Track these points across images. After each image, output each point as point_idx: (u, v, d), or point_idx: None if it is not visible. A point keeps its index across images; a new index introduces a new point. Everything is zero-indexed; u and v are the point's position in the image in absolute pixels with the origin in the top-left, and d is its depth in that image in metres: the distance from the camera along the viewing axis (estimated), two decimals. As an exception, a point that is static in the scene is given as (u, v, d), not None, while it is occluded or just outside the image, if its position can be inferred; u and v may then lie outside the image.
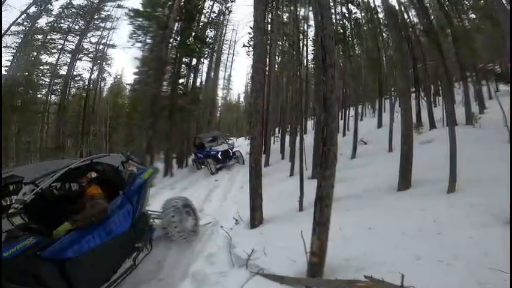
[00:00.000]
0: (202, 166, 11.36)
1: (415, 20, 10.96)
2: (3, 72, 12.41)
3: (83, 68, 16.31)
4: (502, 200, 2.73)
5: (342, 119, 16.74)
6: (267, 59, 13.80)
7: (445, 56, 9.60)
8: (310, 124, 19.28)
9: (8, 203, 2.54)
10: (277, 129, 19.08)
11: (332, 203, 2.41)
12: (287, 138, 12.54)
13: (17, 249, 2.05)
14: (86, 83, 15.66)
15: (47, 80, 14.85)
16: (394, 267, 1.99)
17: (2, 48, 12.32)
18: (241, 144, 16.87)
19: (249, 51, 16.98)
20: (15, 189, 2.77)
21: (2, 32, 11.83)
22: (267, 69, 14.65)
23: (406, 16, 10.40)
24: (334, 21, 15.64)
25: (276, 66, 16.16)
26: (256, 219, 3.97)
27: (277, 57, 15.77)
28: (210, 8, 15.95)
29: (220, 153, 10.79)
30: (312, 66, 16.98)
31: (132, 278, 3.01)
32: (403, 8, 9.46)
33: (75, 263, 2.38)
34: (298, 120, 8.09)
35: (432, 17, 10.16)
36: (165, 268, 3.45)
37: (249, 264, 2.93)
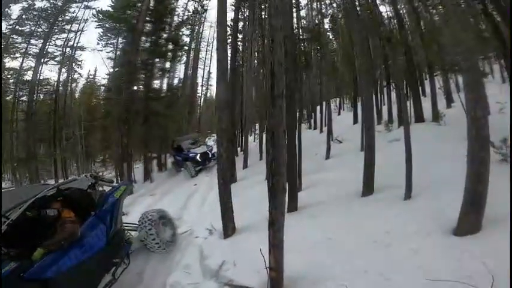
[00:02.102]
0: (182, 169, 11.35)
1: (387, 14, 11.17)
2: None
3: (51, 70, 15.70)
4: (448, 208, 3.02)
5: (320, 112, 16.96)
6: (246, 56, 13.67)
7: (414, 52, 9.88)
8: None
9: None
10: (257, 125, 19.20)
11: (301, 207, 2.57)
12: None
13: (1, 273, 2.18)
14: (55, 87, 15.03)
15: (12, 86, 14.26)
16: (343, 281, 2.24)
17: None
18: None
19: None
20: None
21: None
22: (246, 64, 14.60)
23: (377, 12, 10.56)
24: (311, 16, 15.74)
25: (256, 61, 16.14)
26: (228, 229, 4.13)
27: (256, 54, 15.75)
28: (185, 6, 15.64)
29: (199, 155, 10.83)
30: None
31: None
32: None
33: (56, 282, 2.52)
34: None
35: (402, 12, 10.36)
36: (144, 280, 3.60)
37: (219, 275, 3.12)
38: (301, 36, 14.59)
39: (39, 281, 2.44)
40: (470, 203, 2.70)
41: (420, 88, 10.92)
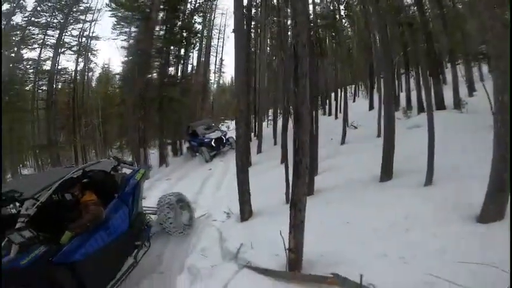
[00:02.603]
0: (197, 154, 11.54)
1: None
2: None
3: (68, 60, 16.17)
4: (471, 195, 2.94)
5: (335, 99, 16.73)
6: (259, 43, 13.51)
7: (435, 39, 9.50)
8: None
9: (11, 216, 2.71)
10: (270, 111, 19.14)
11: (318, 191, 2.59)
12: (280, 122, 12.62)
13: (31, 258, 2.26)
14: (73, 76, 15.41)
15: (32, 76, 14.69)
16: (361, 264, 2.23)
17: None
18: (237, 127, 16.86)
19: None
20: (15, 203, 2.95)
21: None
22: (258, 52, 14.43)
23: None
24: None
25: (268, 48, 15.90)
26: (245, 213, 4.19)
27: (268, 41, 15.49)
28: (197, -6, 15.48)
29: (213, 140, 10.94)
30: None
31: (135, 273, 3.25)
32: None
33: (84, 265, 2.60)
34: (286, 109, 8.17)
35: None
36: (163, 262, 3.67)
37: (238, 257, 3.18)
38: (316, 23, 14.19)
39: (67, 264, 2.53)
40: (495, 189, 2.64)
41: (441, 76, 10.62)
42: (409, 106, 10.10)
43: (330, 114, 16.03)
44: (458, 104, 8.09)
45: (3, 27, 12.79)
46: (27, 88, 14.94)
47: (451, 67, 9.98)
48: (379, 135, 7.45)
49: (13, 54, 13.87)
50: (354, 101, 18.96)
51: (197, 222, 4.47)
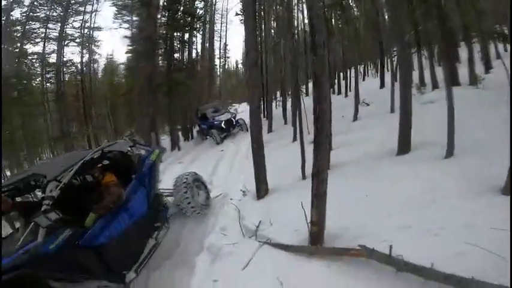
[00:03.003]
0: (207, 137, 11.62)
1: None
2: None
3: (72, 53, 16.65)
4: (495, 167, 2.82)
5: (343, 79, 16.46)
6: (263, 26, 13.28)
7: (448, 17, 9.16)
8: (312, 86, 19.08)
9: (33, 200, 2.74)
10: (278, 93, 19.01)
11: (333, 167, 2.55)
12: (289, 102, 12.52)
13: (59, 242, 2.27)
14: (79, 68, 15.48)
15: (39, 69, 14.82)
16: (386, 236, 2.18)
17: None
18: (245, 110, 16.82)
19: (242, 20, 16.54)
20: (37, 186, 2.98)
21: None
22: (263, 35, 14.19)
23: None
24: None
25: (273, 31, 15.57)
26: (261, 190, 4.17)
27: (273, 23, 15.09)
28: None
29: (223, 122, 10.99)
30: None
31: (156, 256, 3.27)
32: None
33: (108, 248, 2.60)
34: (296, 87, 8.04)
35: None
36: (183, 243, 3.68)
37: (257, 234, 3.19)
38: (323, 2, 13.73)
39: (93, 247, 2.52)
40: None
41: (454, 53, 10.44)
42: (422, 83, 9.94)
43: (339, 93, 15.85)
44: (474, 80, 7.96)
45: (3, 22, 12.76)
46: (35, 82, 15.09)
47: (466, 44, 9.75)
48: (392, 111, 7.31)
49: (17, 50, 13.90)
50: (363, 79, 18.61)
51: (213, 202, 4.47)
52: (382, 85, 12.60)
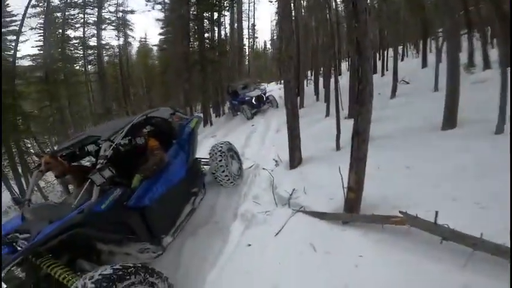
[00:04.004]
0: (238, 113, 11.85)
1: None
2: (38, 51, 13.11)
3: (109, 37, 17.08)
4: None
5: (379, 59, 15.57)
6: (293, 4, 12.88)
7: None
8: (344, 66, 18.41)
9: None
10: (309, 72, 18.53)
11: (369, 140, 2.42)
12: (321, 80, 12.17)
13: (110, 202, 2.36)
14: (116, 50, 16.22)
15: (80, 52, 15.58)
16: (429, 206, 2.06)
17: (31, 30, 12.89)
18: (273, 89, 16.77)
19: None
20: (88, 153, 3.18)
21: (23, 14, 12.18)
22: (294, 13, 13.82)
23: None
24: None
25: (303, 10, 15.11)
26: (295, 159, 4.14)
27: (303, 1, 14.59)
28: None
29: (254, 98, 11.04)
30: (342, 8, 15.54)
31: (190, 223, 3.33)
32: None
33: (151, 210, 2.65)
34: (332, 62, 7.74)
35: None
36: (217, 212, 3.73)
37: (290, 203, 3.21)
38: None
39: (138, 208, 2.58)
40: None
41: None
42: (471, 64, 9.15)
43: (375, 72, 15.02)
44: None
45: (44, 9, 13.45)
46: (78, 65, 16.01)
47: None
48: (436, 90, 6.84)
49: (60, 36, 14.68)
50: (402, 59, 17.42)
51: (246, 173, 4.51)
52: (425, 65, 11.91)
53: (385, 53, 15.60)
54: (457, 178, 2.64)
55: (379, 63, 15.38)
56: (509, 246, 1.61)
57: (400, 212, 2.11)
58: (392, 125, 4.70)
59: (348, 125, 3.16)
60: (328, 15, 10.58)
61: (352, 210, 2.55)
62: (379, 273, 1.96)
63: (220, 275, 2.50)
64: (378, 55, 16.36)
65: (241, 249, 2.75)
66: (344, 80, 8.83)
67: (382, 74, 13.67)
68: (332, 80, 8.13)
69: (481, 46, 9.03)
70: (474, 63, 9.13)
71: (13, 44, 11.73)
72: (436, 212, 1.89)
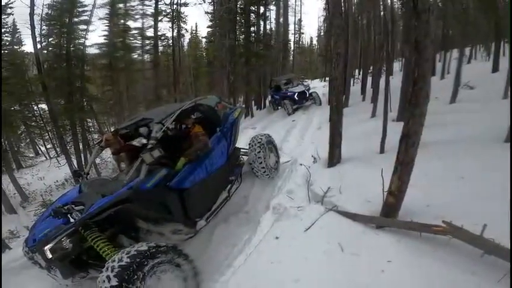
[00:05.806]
0: (279, 107, 11.84)
1: None
2: (103, 40, 14.51)
3: (165, 28, 18.21)
4: None
5: (439, 61, 14.18)
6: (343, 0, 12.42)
7: None
8: (397, 66, 17.29)
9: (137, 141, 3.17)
10: (356, 71, 17.76)
11: (419, 145, 2.27)
12: (369, 80, 11.59)
13: (155, 180, 2.48)
14: (170, 41, 16.98)
15: (139, 42, 16.82)
16: (477, 220, 1.88)
17: (98, 20, 14.13)
18: (317, 86, 16.42)
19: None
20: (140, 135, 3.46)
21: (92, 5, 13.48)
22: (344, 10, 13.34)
23: None
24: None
25: (353, 8, 14.47)
26: (334, 157, 4.04)
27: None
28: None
29: (296, 94, 10.92)
30: (399, 6, 14.52)
31: (223, 210, 3.41)
32: None
33: (190, 193, 2.76)
34: (384, 60, 7.27)
35: None
36: (249, 202, 3.79)
37: (324, 201, 3.17)
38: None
39: (178, 190, 2.68)
40: None
41: None
42: None
43: (433, 74, 13.73)
44: None
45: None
46: (136, 54, 17.35)
47: None
48: (506, 97, 6.01)
49: (121, 26, 15.96)
50: (468, 62, 15.66)
51: (282, 167, 4.52)
52: (496, 69, 10.46)
53: (448, 54, 14.17)
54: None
55: (439, 65, 14.01)
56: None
57: (443, 221, 1.96)
58: (449, 132, 4.30)
59: (395, 128, 3.00)
60: (382, 12, 9.98)
61: (389, 216, 2.43)
62: (405, 280, 1.89)
63: (245, 263, 2.56)
64: (438, 56, 14.93)
65: (269, 240, 2.79)
66: (395, 81, 8.25)
67: (442, 77, 12.37)
68: (382, 79, 7.67)
69: None
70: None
71: (84, 33, 13.08)
72: (484, 225, 1.73)
